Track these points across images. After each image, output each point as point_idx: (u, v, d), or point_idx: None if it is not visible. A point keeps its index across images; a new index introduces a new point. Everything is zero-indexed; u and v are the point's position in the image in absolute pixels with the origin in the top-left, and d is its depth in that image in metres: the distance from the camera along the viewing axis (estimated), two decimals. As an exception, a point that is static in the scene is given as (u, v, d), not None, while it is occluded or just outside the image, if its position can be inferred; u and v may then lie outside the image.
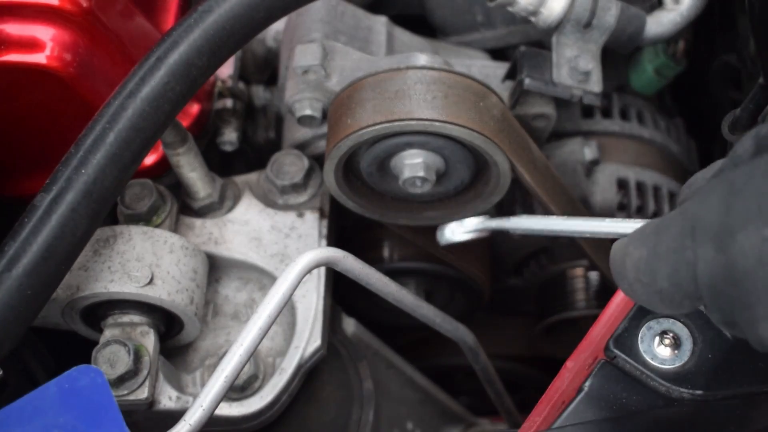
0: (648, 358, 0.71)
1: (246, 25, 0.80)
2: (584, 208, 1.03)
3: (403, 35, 1.04)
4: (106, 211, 0.77)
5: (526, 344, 1.28)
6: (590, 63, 0.93)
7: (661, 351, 0.71)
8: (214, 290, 0.97)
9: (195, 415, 0.73)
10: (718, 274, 0.53)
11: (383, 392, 1.04)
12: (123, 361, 0.82)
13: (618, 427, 0.70)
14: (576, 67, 0.93)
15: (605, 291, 1.10)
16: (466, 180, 0.92)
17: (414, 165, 0.87)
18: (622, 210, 1.06)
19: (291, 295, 0.78)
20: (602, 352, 0.73)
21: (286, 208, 0.97)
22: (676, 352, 0.71)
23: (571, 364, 0.76)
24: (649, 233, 0.58)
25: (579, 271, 1.12)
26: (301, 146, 1.00)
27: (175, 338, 0.91)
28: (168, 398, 0.85)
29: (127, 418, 0.66)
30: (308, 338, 0.90)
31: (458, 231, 0.84)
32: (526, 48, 0.95)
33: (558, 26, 0.93)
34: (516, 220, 0.79)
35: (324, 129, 0.96)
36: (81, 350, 0.88)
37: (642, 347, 0.72)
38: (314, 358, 0.91)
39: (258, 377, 0.89)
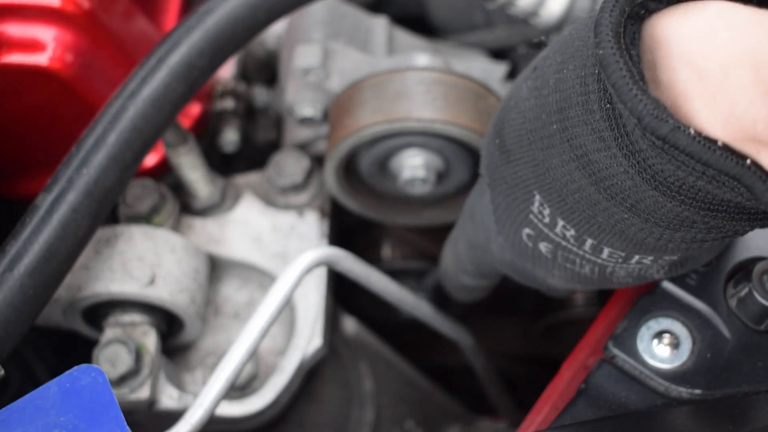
0: (647, 358, 0.71)
1: (247, 26, 0.80)
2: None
3: (403, 36, 1.04)
4: (108, 211, 0.78)
5: (525, 344, 1.28)
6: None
7: (660, 350, 0.72)
8: (215, 290, 0.97)
9: (196, 414, 0.73)
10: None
11: (383, 392, 1.04)
12: (124, 361, 0.82)
13: (617, 426, 0.70)
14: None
15: (604, 291, 1.10)
16: (466, 180, 0.92)
17: (414, 165, 0.87)
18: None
19: (291, 294, 0.79)
20: (601, 351, 0.73)
21: (286, 208, 0.98)
22: (675, 351, 0.71)
23: (570, 364, 0.76)
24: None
25: (578, 271, 1.12)
26: (302, 147, 1.00)
27: (176, 338, 0.92)
28: (169, 397, 0.86)
29: (128, 417, 0.67)
30: (309, 338, 0.91)
31: None
32: (525, 49, 0.95)
33: (557, 27, 0.93)
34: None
35: (324, 129, 0.96)
36: (82, 350, 0.88)
37: (641, 347, 0.72)
38: (314, 358, 0.91)
39: (258, 376, 0.89)
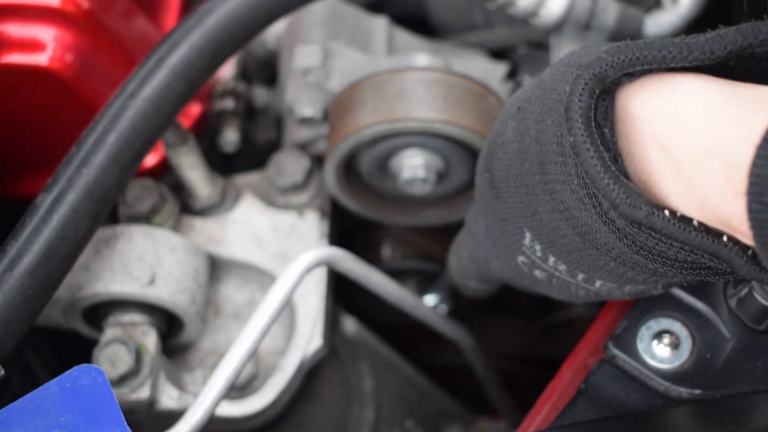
0: (647, 358, 0.71)
1: (247, 26, 0.80)
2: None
3: (402, 36, 1.04)
4: (108, 211, 0.78)
5: (525, 344, 1.28)
6: (589, 63, 0.94)
7: (659, 350, 0.72)
8: (215, 290, 0.97)
9: (196, 414, 0.73)
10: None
11: (383, 391, 1.04)
12: (124, 361, 0.82)
13: (617, 426, 0.70)
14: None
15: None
16: (466, 180, 0.92)
17: (414, 165, 0.87)
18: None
19: (291, 294, 0.79)
20: (601, 351, 0.73)
21: (286, 208, 0.98)
22: (674, 351, 0.71)
23: (570, 364, 0.76)
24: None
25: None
26: (302, 147, 1.00)
27: (176, 338, 0.92)
28: (169, 397, 0.86)
29: (129, 417, 0.67)
30: (309, 338, 0.91)
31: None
32: (525, 49, 0.95)
33: (557, 27, 0.93)
34: None
35: (324, 129, 0.96)
36: (82, 350, 0.88)
37: (641, 347, 0.72)
38: (315, 358, 0.91)
39: (258, 376, 0.89)
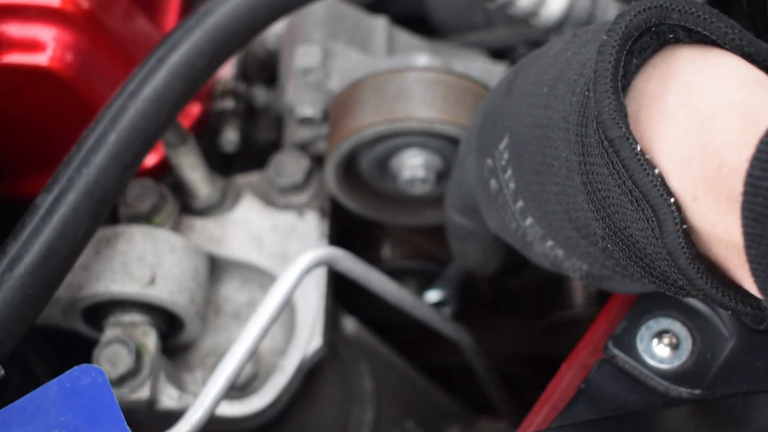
0: (647, 358, 0.71)
1: (247, 26, 0.80)
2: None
3: (402, 36, 1.04)
4: (108, 211, 0.78)
5: (525, 343, 1.28)
6: (589, 63, 0.94)
7: (660, 350, 0.72)
8: (215, 290, 0.97)
9: (196, 414, 0.73)
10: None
11: (383, 391, 1.04)
12: (124, 361, 0.82)
13: (617, 426, 0.70)
14: (575, 67, 0.93)
15: (605, 291, 1.10)
16: (466, 180, 0.92)
17: (414, 165, 0.87)
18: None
19: (291, 294, 0.79)
20: (601, 351, 0.73)
21: (286, 208, 0.98)
22: (675, 351, 0.71)
23: (570, 364, 0.76)
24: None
25: (578, 271, 1.12)
26: (302, 147, 1.00)
27: (176, 338, 0.92)
28: (169, 397, 0.86)
29: (129, 417, 0.66)
30: (309, 338, 0.91)
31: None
32: (525, 49, 0.95)
33: (557, 27, 0.93)
34: None
35: (324, 129, 0.96)
36: (82, 350, 0.88)
37: (641, 347, 0.72)
38: (314, 358, 0.91)
39: (258, 376, 0.89)
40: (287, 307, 0.92)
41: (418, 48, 1.04)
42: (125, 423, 0.64)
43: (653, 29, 0.53)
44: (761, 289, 0.46)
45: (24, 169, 0.95)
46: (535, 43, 1.05)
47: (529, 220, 0.64)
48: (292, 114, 0.95)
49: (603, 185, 0.53)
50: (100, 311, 0.87)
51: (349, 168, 0.92)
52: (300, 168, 0.97)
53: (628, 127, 0.50)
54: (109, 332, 0.85)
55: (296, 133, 1.00)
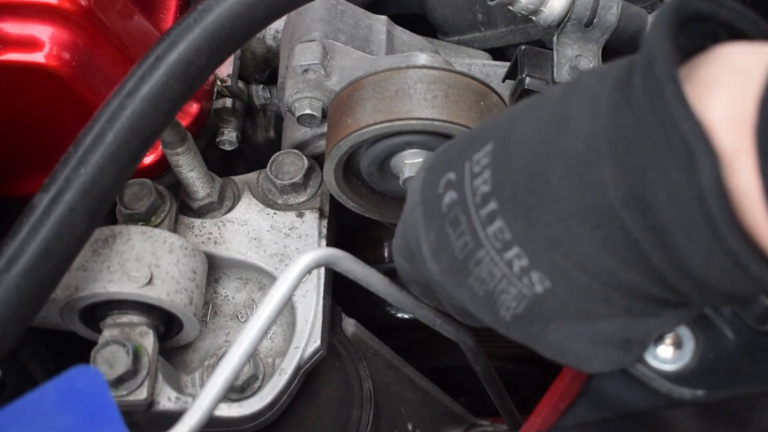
0: (649, 359, 0.71)
1: (245, 24, 0.80)
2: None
3: (403, 34, 1.04)
4: (105, 210, 0.77)
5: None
6: (591, 62, 0.93)
7: (662, 351, 0.71)
8: (214, 290, 0.96)
9: (194, 415, 0.73)
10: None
11: (383, 392, 1.04)
12: (122, 362, 0.82)
13: (619, 428, 0.70)
14: (577, 66, 0.92)
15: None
16: (467, 180, 0.92)
17: (414, 164, 0.87)
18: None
19: (291, 295, 0.78)
20: (603, 352, 0.72)
21: (285, 207, 0.97)
22: (677, 352, 0.71)
23: (572, 365, 0.75)
24: None
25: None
26: (301, 146, 1.00)
27: (174, 338, 0.91)
28: (167, 399, 0.85)
29: (126, 418, 0.66)
30: (308, 339, 0.90)
31: None
32: (526, 47, 0.95)
33: (559, 25, 0.93)
34: None
35: (324, 128, 0.96)
36: (80, 350, 0.88)
37: (643, 347, 0.71)
38: (314, 359, 0.91)
39: (257, 378, 0.89)
40: (286, 308, 0.92)
41: (418, 47, 1.03)
42: (123, 425, 0.64)
43: (701, 22, 0.53)
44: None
45: (21, 169, 0.95)
46: (537, 43, 1.05)
47: (496, 224, 0.57)
48: (292, 112, 0.95)
49: (636, 137, 0.50)
50: (98, 312, 0.86)
51: (349, 167, 0.92)
52: (299, 167, 0.97)
53: (676, 67, 0.49)
54: (107, 333, 0.85)
55: (296, 132, 1.00)
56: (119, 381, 0.82)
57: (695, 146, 0.48)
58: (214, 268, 0.95)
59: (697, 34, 0.54)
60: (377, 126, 0.83)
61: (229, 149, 1.05)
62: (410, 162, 0.87)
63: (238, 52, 1.08)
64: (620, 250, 0.53)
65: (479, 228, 0.58)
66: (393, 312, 1.26)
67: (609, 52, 0.97)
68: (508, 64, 1.01)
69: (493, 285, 0.58)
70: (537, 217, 0.55)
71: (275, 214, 0.96)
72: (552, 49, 0.94)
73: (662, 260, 0.51)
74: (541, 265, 0.56)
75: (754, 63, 0.50)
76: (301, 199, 0.97)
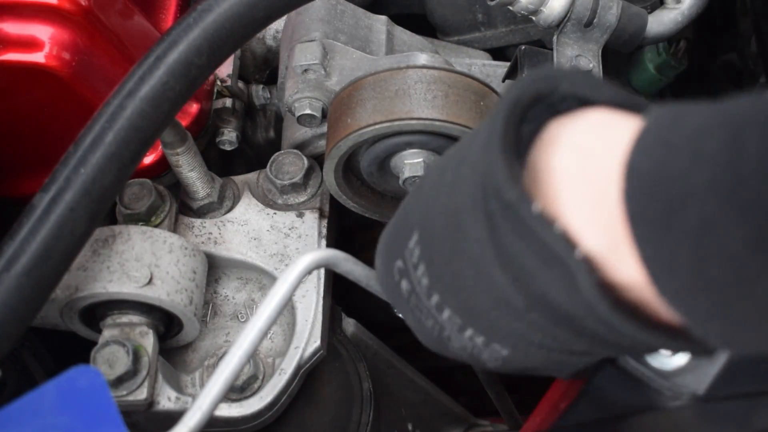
0: (649, 359, 0.71)
1: (245, 25, 0.80)
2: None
3: (403, 35, 1.04)
4: (105, 210, 0.77)
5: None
6: (591, 62, 0.93)
7: (662, 351, 0.71)
8: (214, 290, 0.96)
9: (194, 416, 0.73)
10: None
11: (383, 393, 1.04)
12: (122, 362, 0.82)
13: (618, 428, 0.70)
14: (577, 66, 0.92)
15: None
16: (467, 180, 0.92)
17: (414, 164, 0.87)
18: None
19: (291, 295, 0.78)
20: (603, 352, 0.72)
21: (285, 207, 0.97)
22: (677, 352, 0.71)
23: (572, 365, 0.75)
24: None
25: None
26: (301, 146, 1.00)
27: (174, 338, 0.91)
28: (167, 399, 0.85)
29: (126, 418, 0.66)
30: (308, 339, 0.90)
31: None
32: (526, 47, 0.95)
33: (559, 25, 0.93)
34: None
35: (324, 128, 0.96)
36: (80, 350, 0.87)
37: (643, 348, 0.71)
38: (314, 359, 0.91)
39: (257, 378, 0.89)
40: (286, 309, 0.92)
41: (418, 47, 1.03)
42: (123, 425, 0.64)
43: (546, 99, 0.53)
44: (656, 280, 0.46)
45: (21, 169, 0.95)
46: (537, 43, 1.05)
47: (446, 313, 0.60)
48: (292, 113, 0.95)
49: (515, 253, 0.51)
50: (98, 312, 0.86)
51: (349, 167, 0.92)
52: (299, 168, 0.97)
53: (521, 187, 0.49)
54: (107, 333, 0.85)
55: (295, 133, 1.00)
56: (119, 381, 0.82)
57: (567, 260, 0.48)
58: (214, 268, 0.95)
59: (543, 112, 0.54)
60: (377, 126, 0.83)
61: (229, 149, 1.05)
62: (410, 162, 0.87)
63: (238, 52, 1.08)
64: (545, 332, 0.56)
65: (436, 314, 0.61)
66: (393, 312, 1.26)
67: (609, 51, 0.97)
68: (508, 64, 1.01)
69: (471, 351, 0.62)
70: (472, 307, 0.58)
71: (275, 214, 0.96)
72: (552, 49, 0.94)
73: (571, 337, 0.54)
74: (496, 340, 0.59)
75: (598, 144, 0.50)
76: (301, 199, 0.97)
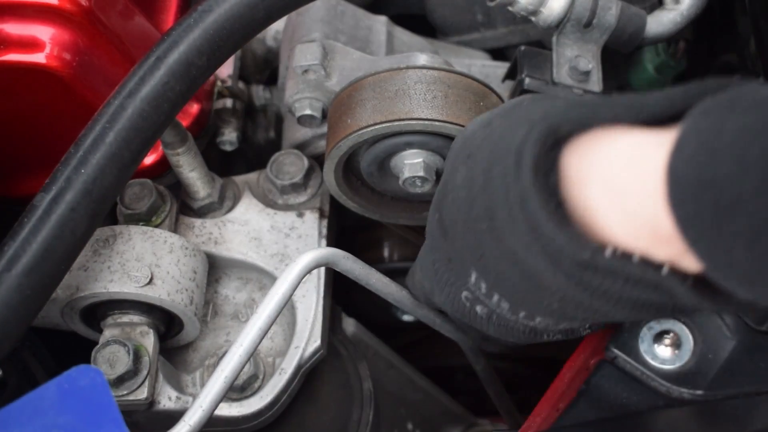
0: (648, 359, 0.71)
1: (246, 25, 0.80)
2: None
3: (403, 35, 1.04)
4: (106, 210, 0.77)
5: (526, 344, 1.28)
6: (590, 63, 0.93)
7: (661, 351, 0.71)
8: (214, 290, 0.96)
9: (195, 415, 0.73)
10: None
11: (383, 392, 1.04)
12: (123, 361, 0.82)
13: (618, 427, 0.70)
14: (576, 66, 0.93)
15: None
16: (466, 180, 0.92)
17: (414, 165, 0.87)
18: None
19: (291, 295, 0.78)
20: (602, 352, 0.73)
21: (285, 208, 0.97)
22: (676, 352, 0.71)
23: (571, 365, 0.76)
24: None
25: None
26: (301, 146, 1.00)
27: (174, 338, 0.91)
28: (168, 398, 0.85)
29: (127, 418, 0.66)
30: (308, 338, 0.90)
31: None
32: (526, 47, 0.95)
33: (558, 26, 0.93)
34: None
35: (324, 129, 0.96)
36: (80, 350, 0.88)
37: (642, 347, 0.72)
38: (314, 359, 0.91)
39: (258, 377, 0.89)
40: (286, 308, 0.92)
41: (418, 47, 1.03)
42: (124, 424, 0.64)
43: (552, 144, 0.57)
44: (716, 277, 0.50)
45: (22, 169, 0.95)
46: (536, 43, 1.05)
47: (538, 319, 0.66)
48: (292, 113, 0.95)
49: (604, 288, 0.56)
50: (99, 312, 0.87)
51: (349, 167, 0.92)
52: (300, 168, 0.97)
53: (591, 245, 0.54)
54: (108, 333, 0.85)
55: (296, 133, 1.00)
56: (120, 380, 0.82)
57: (659, 281, 0.54)
58: (215, 268, 0.96)
59: (554, 153, 0.57)
60: (377, 126, 0.83)
61: (229, 149, 1.05)
62: (410, 162, 0.87)
63: (239, 52, 1.09)
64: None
65: (527, 322, 0.68)
66: (393, 312, 1.26)
67: (607, 52, 0.97)
68: (507, 64, 1.01)
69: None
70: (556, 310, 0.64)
71: (275, 214, 0.97)
72: (551, 50, 0.94)
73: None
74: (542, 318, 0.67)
75: (638, 154, 0.53)
76: (301, 199, 0.97)
